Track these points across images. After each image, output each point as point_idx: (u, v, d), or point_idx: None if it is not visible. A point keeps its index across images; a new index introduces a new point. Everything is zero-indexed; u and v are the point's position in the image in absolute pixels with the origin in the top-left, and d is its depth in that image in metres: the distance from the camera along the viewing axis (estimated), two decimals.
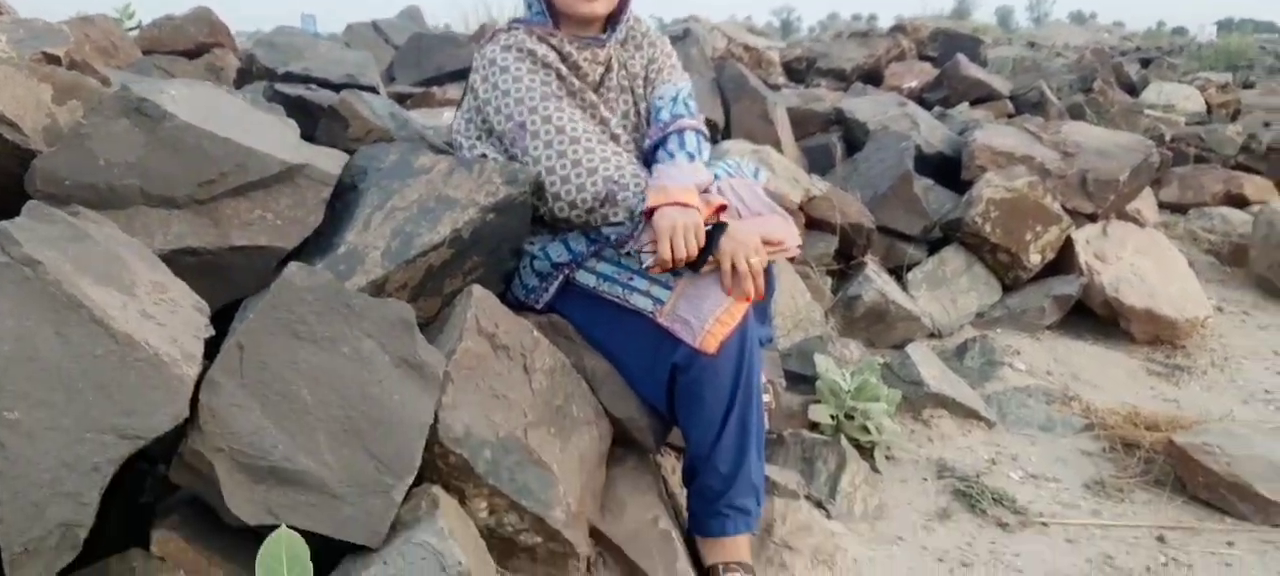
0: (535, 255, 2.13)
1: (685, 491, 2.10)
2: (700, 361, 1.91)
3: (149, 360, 1.39)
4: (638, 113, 2.28)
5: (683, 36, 4.83)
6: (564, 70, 2.12)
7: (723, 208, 2.00)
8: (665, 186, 1.95)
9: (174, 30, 3.45)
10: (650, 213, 1.93)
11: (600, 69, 2.22)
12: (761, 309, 2.29)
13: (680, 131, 2.20)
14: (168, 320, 1.49)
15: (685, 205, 1.91)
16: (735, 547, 2.00)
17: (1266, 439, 2.70)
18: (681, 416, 2.02)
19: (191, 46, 3.48)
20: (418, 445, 1.63)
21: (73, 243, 1.53)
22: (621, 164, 2.04)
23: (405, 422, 1.62)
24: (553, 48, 2.14)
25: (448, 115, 2.44)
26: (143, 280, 1.54)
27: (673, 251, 1.88)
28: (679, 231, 1.88)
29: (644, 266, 1.97)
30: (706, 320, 1.90)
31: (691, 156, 2.13)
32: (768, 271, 2.13)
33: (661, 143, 2.19)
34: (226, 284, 1.87)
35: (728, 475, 1.97)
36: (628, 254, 2.04)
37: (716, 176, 2.17)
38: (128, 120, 1.82)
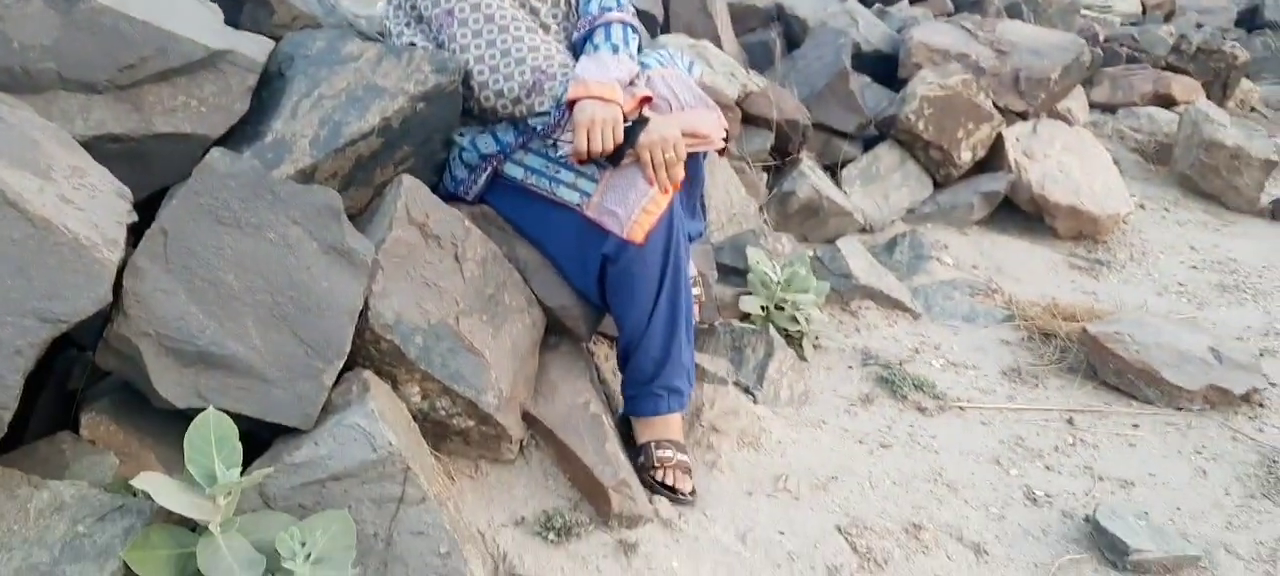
0: (463, 147, 2.13)
1: (619, 376, 2.15)
2: (629, 251, 1.95)
3: (69, 244, 1.38)
4: (568, 2, 2.24)
5: None
6: None
7: (646, 100, 2.01)
8: (585, 79, 1.94)
9: None
10: (571, 105, 1.94)
11: None
12: (691, 203, 2.32)
13: (607, 24, 2.16)
14: (87, 205, 1.48)
15: (605, 99, 1.91)
16: (666, 426, 2.07)
17: (1175, 328, 2.83)
18: (613, 304, 2.06)
19: None
20: (347, 330, 1.65)
21: None
22: (550, 53, 2.03)
23: (334, 308, 1.64)
24: None
25: (381, 4, 2.38)
26: (60, 164, 1.52)
27: (589, 144, 1.90)
28: (597, 125, 1.89)
29: (560, 154, 1.99)
30: (633, 211, 1.94)
31: (616, 49, 2.09)
32: (695, 162, 2.16)
33: (588, 35, 2.15)
34: (151, 172, 1.85)
35: (659, 358, 2.03)
36: (552, 144, 2.04)
37: (645, 66, 2.17)
38: (41, 1, 1.77)
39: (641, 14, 3.94)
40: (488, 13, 2.02)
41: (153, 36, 1.82)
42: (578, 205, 2.00)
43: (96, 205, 1.50)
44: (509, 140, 2.08)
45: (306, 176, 1.88)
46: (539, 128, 2.04)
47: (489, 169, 2.12)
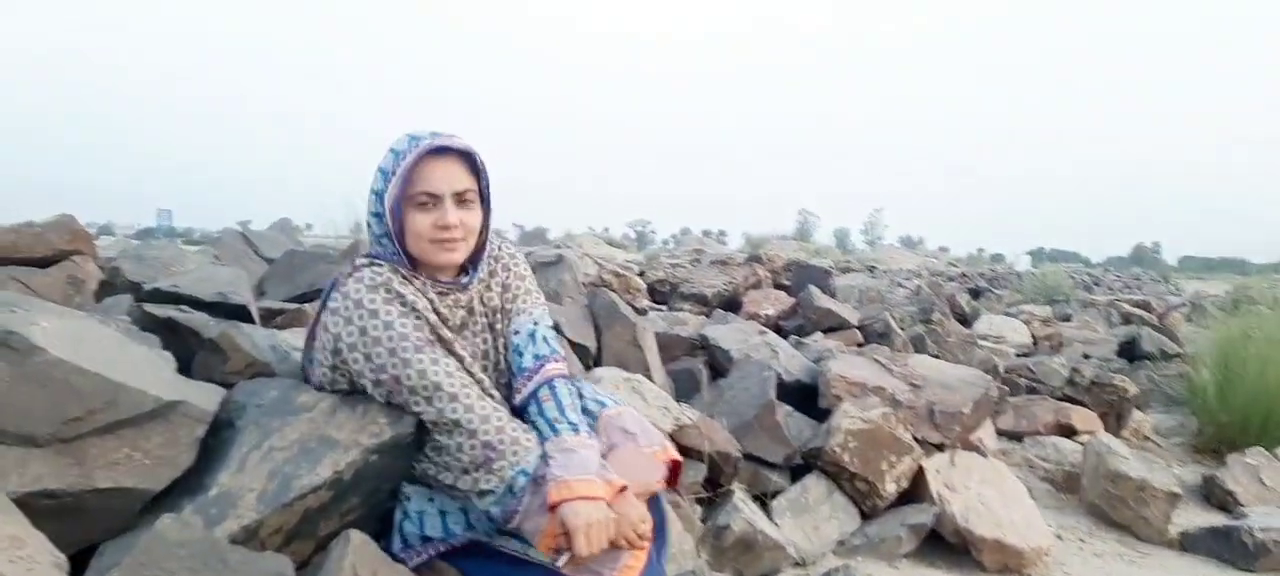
0: (408, 514, 2.08)
1: None
2: None
3: None
4: (496, 349, 2.23)
5: (556, 262, 4.97)
6: (433, 318, 2.03)
7: (623, 489, 2.02)
8: (566, 480, 1.93)
9: (32, 238, 3.32)
10: (554, 506, 1.91)
11: (462, 313, 2.17)
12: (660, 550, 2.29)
13: (549, 382, 2.16)
14: None
15: (591, 498, 1.92)
16: None
17: None
18: None
19: (50, 254, 3.35)
20: None
21: None
22: (500, 425, 2.00)
23: None
24: (418, 289, 2.06)
25: (315, 373, 2.35)
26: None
27: (589, 547, 1.88)
28: (594, 528, 1.88)
29: (558, 564, 1.94)
30: (615, 567, 1.91)
31: (576, 428, 2.08)
32: (660, 521, 2.17)
33: (535, 401, 2.14)
34: (83, 526, 1.77)
35: None
36: (511, 532, 2.01)
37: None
38: None
39: (575, 346, 4.07)
40: (435, 380, 1.97)
41: (102, 388, 1.79)
42: (553, 564, 1.96)
43: None
44: (456, 531, 2.05)
45: (251, 532, 1.81)
46: (494, 516, 1.99)
47: (432, 553, 2.07)
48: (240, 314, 2.89)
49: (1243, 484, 4.99)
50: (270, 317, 3.35)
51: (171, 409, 1.86)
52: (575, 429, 2.09)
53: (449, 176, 2.05)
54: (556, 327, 4.13)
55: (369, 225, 2.13)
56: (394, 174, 2.02)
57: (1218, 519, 4.60)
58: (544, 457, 2.00)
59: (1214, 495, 4.98)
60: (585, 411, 2.23)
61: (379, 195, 2.06)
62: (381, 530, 2.12)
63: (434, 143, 2.03)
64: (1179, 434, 6.27)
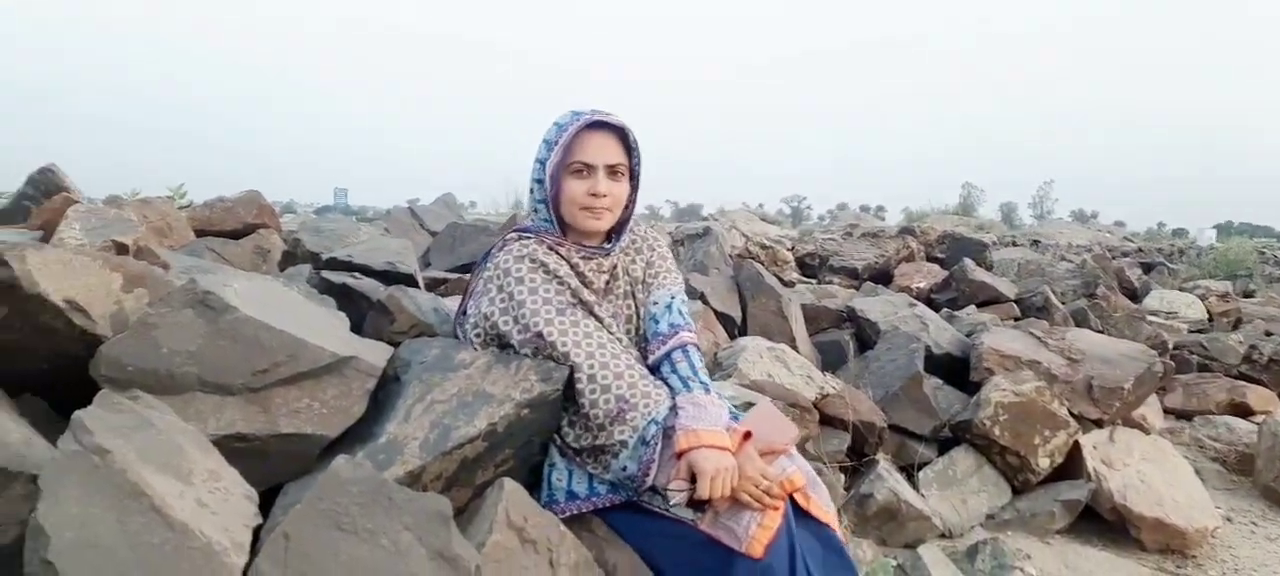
0: (555, 468, 2.21)
1: None
2: (750, 567, 1.97)
3: (202, 549, 1.46)
4: (638, 316, 2.38)
5: (703, 234, 5.04)
6: (574, 282, 2.23)
7: (747, 436, 2.10)
8: (696, 430, 2.02)
9: (224, 212, 3.65)
10: (681, 453, 2.01)
11: (605, 277, 2.33)
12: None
13: (682, 347, 2.29)
14: (220, 508, 1.57)
15: (719, 448, 2.00)
16: None
17: None
18: None
19: (239, 227, 3.67)
20: None
21: (138, 431, 1.64)
22: (634, 380, 2.13)
23: None
24: (563, 258, 2.25)
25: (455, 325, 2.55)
26: (199, 468, 1.63)
27: (713, 492, 1.96)
28: (721, 474, 1.96)
29: (671, 504, 2.04)
30: (749, 526, 1.98)
31: (707, 387, 2.21)
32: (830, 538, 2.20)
33: (667, 359, 2.27)
34: (269, 467, 1.96)
35: None
36: (650, 491, 2.10)
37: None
38: (192, 311, 1.96)
39: (721, 316, 4.14)
40: (575, 339, 2.14)
41: (287, 344, 1.98)
42: (692, 521, 2.04)
43: (228, 508, 1.60)
44: (601, 491, 2.17)
45: (414, 477, 1.97)
46: (631, 473, 2.09)
47: (579, 509, 2.19)
48: (407, 281, 3.10)
49: None
50: (434, 286, 3.57)
51: (345, 363, 2.04)
52: (706, 388, 2.19)
53: (603, 149, 2.25)
54: (702, 298, 4.22)
55: (531, 190, 2.34)
56: (556, 144, 2.22)
57: None
58: (675, 410, 2.09)
59: None
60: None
61: (541, 163, 2.27)
62: (532, 482, 2.26)
63: (592, 117, 2.23)
64: None
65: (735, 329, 4.11)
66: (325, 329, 2.14)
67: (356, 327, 2.31)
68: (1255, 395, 5.08)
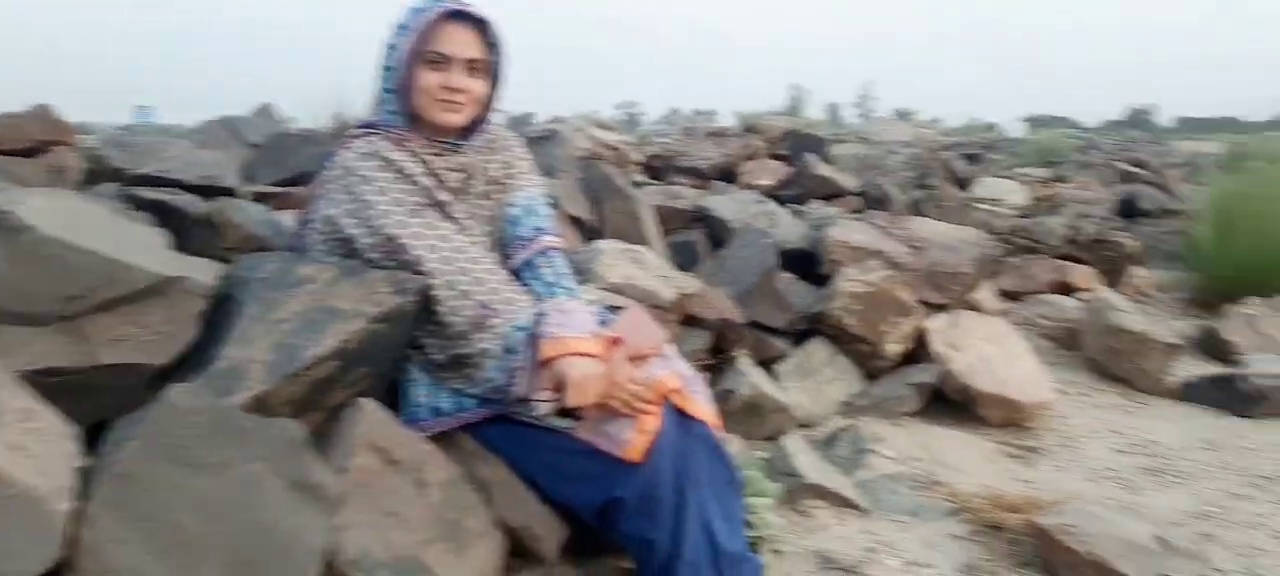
0: (417, 385, 2.08)
1: None
2: (633, 472, 1.91)
3: (20, 496, 1.27)
4: (495, 220, 2.25)
5: (549, 137, 4.89)
6: (427, 181, 2.06)
7: (617, 341, 2.01)
8: (561, 337, 1.90)
9: (12, 127, 3.24)
10: (546, 361, 1.89)
11: (460, 175, 2.17)
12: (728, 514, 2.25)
13: (545, 251, 2.19)
14: (39, 451, 1.37)
15: (586, 354, 1.89)
16: None
17: (1117, 517, 2.87)
18: (629, 535, 1.98)
19: (30, 144, 3.27)
20: (313, 572, 1.55)
21: None
22: (496, 286, 2.00)
23: (299, 549, 1.54)
24: (413, 152, 2.08)
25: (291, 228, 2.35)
26: (9, 408, 1.42)
27: (583, 398, 1.87)
28: (589, 381, 1.86)
29: (537, 414, 1.94)
30: (627, 431, 1.91)
31: (572, 292, 2.12)
32: (723, 464, 2.14)
33: (529, 265, 2.18)
34: (94, 403, 1.75)
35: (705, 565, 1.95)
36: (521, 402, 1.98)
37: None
38: None
39: (574, 220, 4.03)
40: (429, 242, 2.00)
41: (99, 266, 1.75)
42: (568, 429, 1.95)
43: (47, 450, 1.40)
44: (469, 404, 2.04)
45: (261, 403, 1.79)
46: (498, 383, 1.96)
47: (447, 426, 2.06)
48: (228, 196, 2.83)
49: (1241, 333, 5.03)
50: (260, 201, 3.29)
51: (170, 284, 1.83)
52: (573, 294, 2.10)
53: (463, 42, 2.07)
54: (553, 202, 4.09)
55: (378, 76, 2.13)
56: (410, 29, 2.03)
57: (1216, 369, 4.64)
58: (540, 317, 1.98)
59: (1212, 346, 5.03)
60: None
61: (392, 48, 2.07)
62: (392, 401, 2.11)
63: (453, 6, 2.05)
64: (1177, 288, 6.30)
65: (588, 232, 4.01)
66: (143, 248, 1.91)
67: (180, 248, 2.07)
68: (1078, 273, 5.40)
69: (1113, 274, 5.76)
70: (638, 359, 2.09)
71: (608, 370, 1.94)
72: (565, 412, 1.95)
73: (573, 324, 1.97)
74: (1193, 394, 4.36)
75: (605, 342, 1.98)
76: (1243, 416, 4.12)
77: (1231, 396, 4.25)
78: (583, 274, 3.54)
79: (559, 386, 1.89)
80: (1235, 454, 3.71)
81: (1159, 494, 3.33)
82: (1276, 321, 5.24)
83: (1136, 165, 9.78)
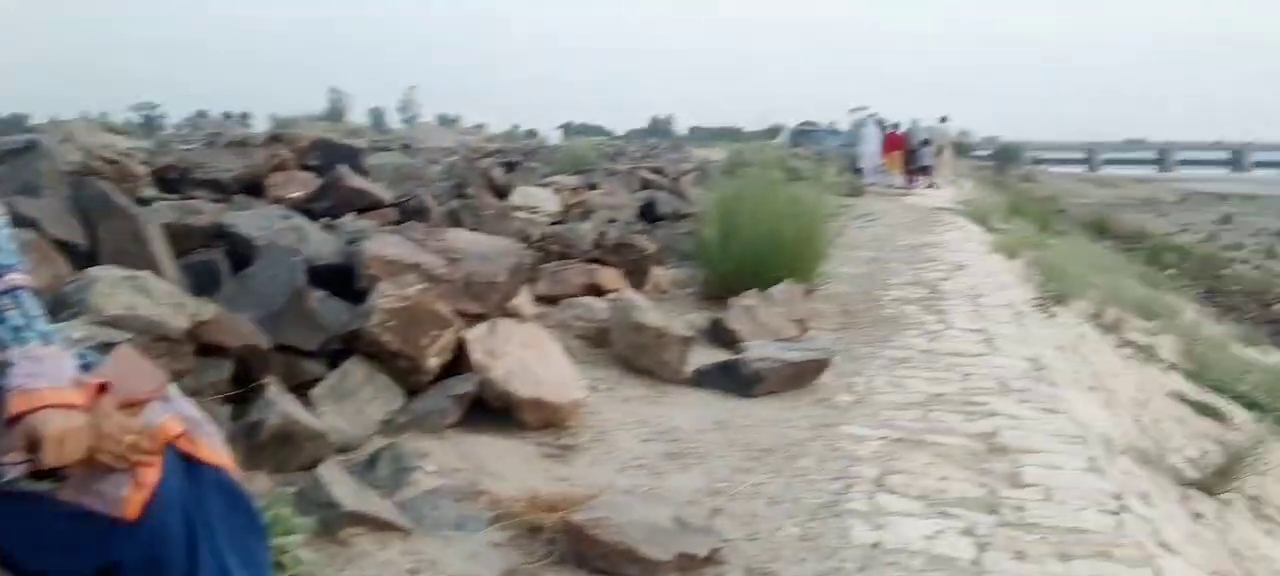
0: None
1: None
2: (132, 534, 1.65)
3: None
4: None
5: (28, 149, 4.20)
6: None
7: (104, 387, 1.75)
8: (33, 389, 1.62)
9: None
10: (16, 418, 1.60)
11: None
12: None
13: (11, 290, 1.86)
14: None
15: (65, 407, 1.62)
16: None
17: (642, 503, 3.10)
18: None
19: None
20: None
21: None
22: None
23: None
24: None
25: None
26: None
27: (61, 459, 1.59)
28: (68, 437, 1.59)
29: (6, 479, 1.62)
30: (122, 487, 1.65)
31: (46, 337, 1.81)
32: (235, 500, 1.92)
33: None
34: None
35: None
36: None
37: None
38: None
39: (61, 245, 3.51)
40: None
41: None
42: (50, 491, 1.65)
43: None
44: None
45: None
46: None
47: None
48: None
49: (742, 323, 5.73)
50: None
51: None
52: (46, 339, 1.79)
53: None
54: (33, 224, 3.53)
55: None
56: None
57: (723, 355, 5.23)
58: (6, 368, 1.67)
59: (720, 335, 5.66)
60: None
61: None
62: None
63: None
64: (690, 285, 7.04)
65: (82, 259, 3.51)
66: None
67: None
68: (606, 276, 5.82)
69: (637, 275, 6.26)
70: (132, 405, 1.83)
71: (92, 421, 1.68)
72: (44, 474, 1.65)
73: (46, 372, 1.69)
74: (704, 380, 4.87)
75: (89, 390, 1.72)
76: (745, 397, 4.68)
77: (735, 379, 4.81)
78: (74, 307, 3.10)
79: (34, 445, 1.60)
80: (739, 431, 4.19)
81: (680, 476, 3.66)
82: (771, 311, 6.05)
83: (655, 172, 10.77)
